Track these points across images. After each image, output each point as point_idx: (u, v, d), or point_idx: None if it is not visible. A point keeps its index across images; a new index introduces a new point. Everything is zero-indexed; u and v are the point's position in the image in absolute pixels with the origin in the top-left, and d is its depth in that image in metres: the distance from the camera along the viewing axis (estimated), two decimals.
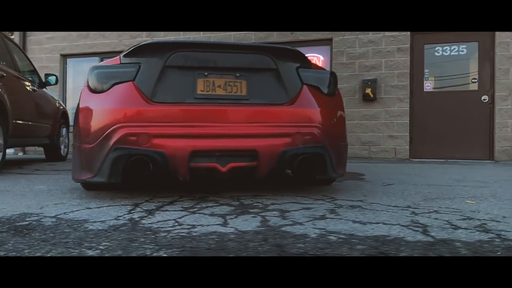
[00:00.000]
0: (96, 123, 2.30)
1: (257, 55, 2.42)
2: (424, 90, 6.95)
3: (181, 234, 1.64)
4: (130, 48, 2.37)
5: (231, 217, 1.96)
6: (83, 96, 2.43)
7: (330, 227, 1.73)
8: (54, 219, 1.90)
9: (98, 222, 1.86)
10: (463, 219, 1.90)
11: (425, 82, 6.96)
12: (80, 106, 2.41)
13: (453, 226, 1.75)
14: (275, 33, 7.59)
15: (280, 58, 2.44)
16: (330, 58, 7.43)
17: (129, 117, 2.24)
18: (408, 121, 6.94)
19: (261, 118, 2.33)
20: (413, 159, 6.84)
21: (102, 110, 2.30)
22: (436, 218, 1.92)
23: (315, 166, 2.47)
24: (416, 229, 1.70)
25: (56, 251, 1.40)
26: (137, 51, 2.34)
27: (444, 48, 6.89)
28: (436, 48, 6.92)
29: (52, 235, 1.63)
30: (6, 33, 5.75)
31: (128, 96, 2.28)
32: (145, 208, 2.17)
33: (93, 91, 2.38)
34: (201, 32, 8.01)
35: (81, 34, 8.81)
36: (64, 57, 9.02)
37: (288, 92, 2.43)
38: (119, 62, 2.40)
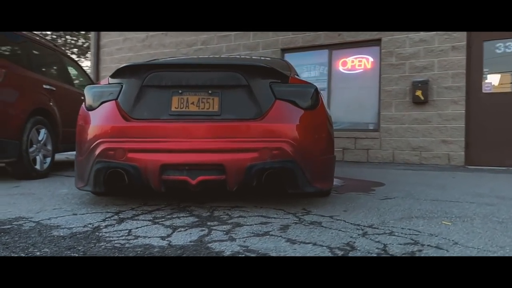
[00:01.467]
0: (85, 137, 2.57)
1: (228, 72, 2.51)
2: (483, 91, 6.37)
3: (116, 244, 1.80)
4: (115, 70, 2.61)
5: (182, 229, 2.08)
6: (80, 113, 2.73)
7: (256, 246, 1.78)
8: (34, 224, 2.19)
9: (66, 228, 2.10)
10: (407, 244, 1.81)
11: (484, 82, 6.37)
12: (77, 122, 2.72)
13: (383, 251, 1.69)
14: (322, 35, 7.51)
15: (251, 75, 2.50)
16: (379, 59, 7.14)
17: (109, 133, 2.48)
18: (463, 125, 6.42)
19: (229, 134, 2.41)
20: (469, 166, 6.31)
21: (91, 126, 2.56)
22: (378, 241, 1.85)
23: (285, 181, 2.48)
24: (338, 252, 1.68)
25: None
26: (120, 73, 2.58)
27: (507, 44, 6.24)
28: (497, 45, 6.29)
29: (16, 239, 1.90)
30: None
31: (111, 113, 2.52)
32: (121, 216, 2.39)
33: (87, 108, 2.66)
34: (251, 33, 8.20)
35: (144, 44, 9.54)
36: None
37: (260, 108, 2.48)
38: (107, 83, 2.65)
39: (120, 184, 2.57)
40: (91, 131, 2.55)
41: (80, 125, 2.68)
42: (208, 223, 2.21)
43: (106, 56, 10.12)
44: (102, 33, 10.18)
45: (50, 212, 2.51)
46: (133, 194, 3.15)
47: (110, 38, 10.05)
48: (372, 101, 7.24)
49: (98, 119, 2.55)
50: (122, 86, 2.56)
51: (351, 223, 2.22)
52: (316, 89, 2.65)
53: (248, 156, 2.38)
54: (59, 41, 20.18)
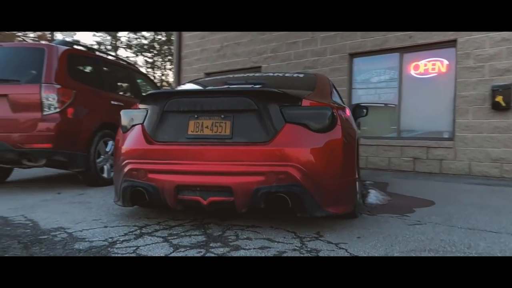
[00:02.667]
0: (118, 156, 2.85)
1: (239, 98, 2.58)
2: None
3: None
4: (143, 96, 2.84)
5: (182, 250, 2.22)
6: (117, 134, 3.03)
7: None
8: (65, 236, 2.51)
9: (88, 242, 2.38)
10: None
11: None
12: (115, 142, 3.02)
13: None
14: (391, 38, 7.15)
15: (261, 100, 2.54)
16: (455, 62, 6.57)
17: (134, 154, 2.72)
18: None
19: (238, 157, 2.49)
20: None
21: (122, 146, 2.83)
22: None
23: (293, 205, 2.47)
24: None
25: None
26: (146, 99, 2.81)
27: None
28: None
29: (43, 250, 2.22)
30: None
31: (137, 136, 2.76)
32: (143, 231, 2.62)
33: (122, 130, 2.95)
34: (318, 38, 8.12)
35: (219, 54, 9.98)
36: (208, 75, 10.33)
37: (269, 131, 2.51)
38: (137, 107, 2.91)
39: (144, 202, 2.80)
40: (122, 151, 2.82)
41: (116, 145, 2.97)
42: (211, 244, 2.32)
43: (186, 66, 10.80)
44: (183, 45, 10.88)
45: (88, 223, 2.84)
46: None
47: (189, 49, 10.70)
48: (447, 108, 6.69)
49: (128, 140, 2.82)
50: (147, 111, 2.79)
51: (352, 254, 2.15)
52: (332, 111, 2.59)
53: (254, 180, 2.43)
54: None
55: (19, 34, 21.13)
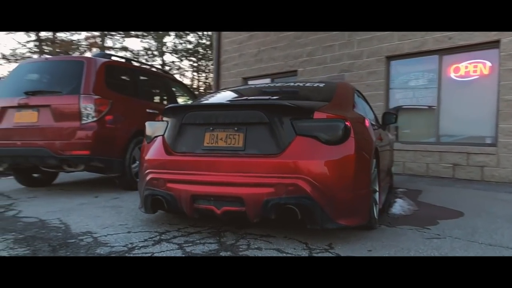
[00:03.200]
0: (142, 166, 3.03)
1: (251, 111, 2.66)
2: None
3: None
4: (163, 109, 3.00)
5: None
6: (142, 144, 3.21)
7: None
8: (91, 240, 2.70)
9: (109, 247, 2.55)
10: None
11: None
12: (140, 151, 3.20)
13: None
14: (430, 39, 6.92)
15: (272, 113, 2.59)
16: (498, 63, 6.25)
17: (155, 164, 2.88)
18: None
19: (249, 168, 2.56)
20: None
21: (145, 156, 3.00)
22: None
23: (303, 216, 2.51)
24: None
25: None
26: (166, 112, 2.96)
27: None
28: None
29: (68, 253, 2.41)
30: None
31: (158, 147, 2.92)
32: (162, 237, 2.76)
33: (146, 140, 3.12)
34: (355, 41, 8.01)
35: (257, 59, 10.10)
36: (245, 79, 10.51)
37: (280, 144, 2.56)
38: (161, 119, 3.06)
39: (164, 209, 2.94)
40: (145, 161, 2.98)
41: (140, 154, 3.15)
42: (221, 254, 2.41)
43: (224, 71, 11.03)
44: (222, 50, 11.12)
45: (114, 228, 3.03)
46: None
47: (228, 55, 10.92)
48: (489, 112, 6.37)
49: (150, 151, 2.98)
50: (167, 123, 2.94)
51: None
52: (344, 123, 2.59)
53: (264, 191, 2.50)
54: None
55: (74, 40, 22.48)
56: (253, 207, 2.53)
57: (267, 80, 9.94)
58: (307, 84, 3.67)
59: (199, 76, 26.95)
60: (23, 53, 21.52)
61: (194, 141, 2.81)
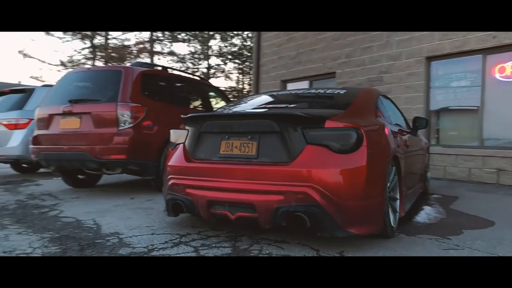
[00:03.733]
0: (166, 171, 3.21)
1: (264, 120, 2.74)
2: None
3: None
4: (185, 118, 3.15)
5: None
6: (168, 151, 3.39)
7: None
8: (116, 241, 2.91)
9: (131, 247, 2.74)
10: None
11: None
12: (165, 157, 3.39)
13: None
14: (472, 39, 6.63)
15: (283, 122, 2.66)
16: None
17: (176, 171, 3.04)
18: None
19: (261, 176, 2.64)
20: None
21: (168, 163, 3.18)
22: None
23: (312, 224, 2.55)
24: None
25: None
26: (187, 121, 3.12)
27: None
28: None
29: (94, 253, 2.63)
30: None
31: (179, 154, 3.08)
32: (182, 240, 2.92)
33: (170, 147, 3.30)
34: (394, 42, 7.82)
35: (295, 61, 10.13)
36: (284, 82, 10.57)
37: (291, 152, 2.62)
38: (183, 128, 3.22)
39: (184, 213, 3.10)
40: (168, 167, 3.16)
41: (165, 161, 3.33)
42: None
43: (264, 74, 11.15)
44: (261, 53, 11.26)
45: (141, 229, 3.23)
46: None
47: (267, 58, 11.04)
48: None
49: (173, 157, 3.15)
50: (188, 131, 3.09)
51: None
52: (356, 131, 2.61)
53: (275, 198, 2.57)
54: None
55: (130, 45, 23.58)
56: (264, 214, 2.61)
57: (306, 83, 9.95)
58: (328, 91, 3.69)
59: (243, 78, 27.32)
60: (79, 60, 22.94)
61: (211, 149, 2.94)
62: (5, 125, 6.83)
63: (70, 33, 21.85)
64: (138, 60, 21.88)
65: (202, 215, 2.89)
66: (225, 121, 2.95)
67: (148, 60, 23.70)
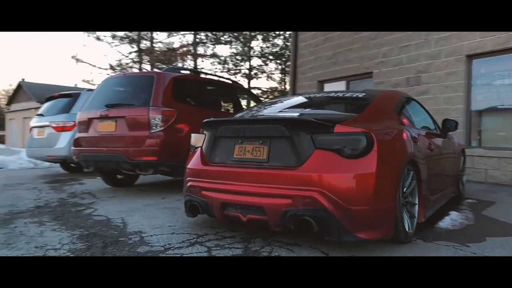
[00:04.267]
0: (185, 174, 3.36)
1: (274, 125, 2.80)
2: None
3: None
4: (202, 122, 3.28)
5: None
6: (188, 154, 3.54)
7: None
8: (137, 240, 3.09)
9: (150, 246, 2.90)
10: None
11: None
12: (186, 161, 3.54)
13: None
14: None
15: (293, 127, 2.71)
16: None
17: (193, 173, 3.18)
18: None
19: (271, 180, 2.70)
20: None
21: (187, 166, 3.33)
22: None
23: (319, 228, 2.57)
24: None
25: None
26: (203, 125, 3.25)
27: None
28: None
29: (115, 251, 2.82)
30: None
31: (197, 157, 3.22)
32: (198, 240, 3.05)
33: (190, 150, 3.45)
34: (432, 41, 7.55)
35: (332, 62, 10.03)
36: (321, 82, 10.50)
37: (300, 157, 2.66)
38: (201, 132, 3.35)
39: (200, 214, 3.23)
40: (187, 169, 3.31)
41: (185, 163, 3.48)
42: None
43: (300, 75, 11.14)
44: (298, 54, 11.24)
45: (162, 229, 3.40)
46: None
47: (304, 58, 11.01)
48: None
49: (192, 160, 3.30)
50: (205, 135, 3.22)
51: None
52: (366, 136, 2.60)
53: (283, 202, 2.63)
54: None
55: (174, 48, 24.33)
56: (273, 217, 2.68)
57: (343, 83, 9.83)
58: (347, 94, 3.67)
59: (284, 78, 27.34)
60: (127, 63, 24.02)
61: (226, 153, 3.04)
62: (53, 127, 7.38)
63: (119, 37, 22.93)
64: (179, 64, 22.48)
65: (217, 216, 3.00)
66: (238, 126, 3.04)
67: (192, 63, 24.35)
